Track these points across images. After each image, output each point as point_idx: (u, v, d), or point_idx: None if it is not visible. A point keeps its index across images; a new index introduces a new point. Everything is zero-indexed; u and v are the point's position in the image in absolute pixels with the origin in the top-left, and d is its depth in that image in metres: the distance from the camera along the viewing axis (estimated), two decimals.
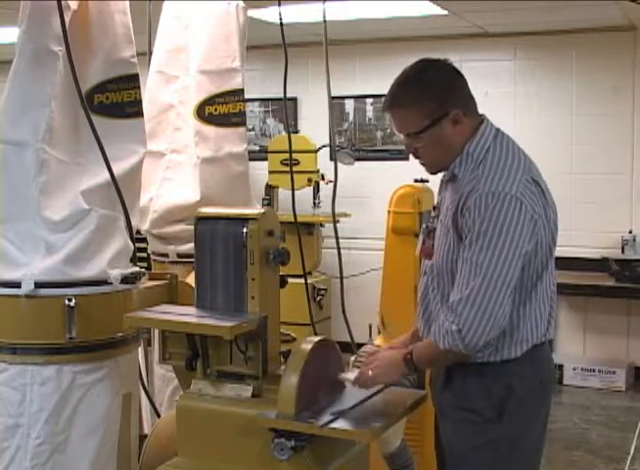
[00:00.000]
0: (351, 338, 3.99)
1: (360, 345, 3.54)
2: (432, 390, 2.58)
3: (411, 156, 2.49)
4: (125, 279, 2.86)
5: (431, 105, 2.35)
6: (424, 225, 2.58)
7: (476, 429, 2.40)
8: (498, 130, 2.43)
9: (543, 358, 2.47)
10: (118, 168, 2.92)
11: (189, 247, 3.61)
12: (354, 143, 7.54)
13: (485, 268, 2.25)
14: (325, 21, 3.96)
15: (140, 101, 3.10)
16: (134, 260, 2.99)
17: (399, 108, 2.40)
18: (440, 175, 2.55)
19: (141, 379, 3.30)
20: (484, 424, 2.39)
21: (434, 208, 2.58)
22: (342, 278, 4.05)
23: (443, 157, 2.42)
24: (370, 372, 2.46)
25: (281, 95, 3.74)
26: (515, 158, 2.36)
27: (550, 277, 2.43)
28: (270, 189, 7.05)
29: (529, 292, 2.36)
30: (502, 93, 6.91)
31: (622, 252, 6.60)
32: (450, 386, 2.46)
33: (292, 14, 5.47)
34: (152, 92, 4.00)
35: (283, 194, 7.02)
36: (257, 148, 7.65)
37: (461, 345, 2.28)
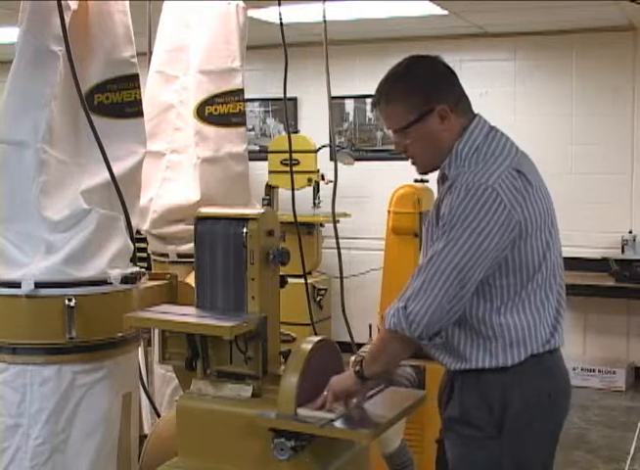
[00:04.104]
0: (351, 338, 4.00)
1: (360, 345, 3.55)
2: (438, 405, 2.51)
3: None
4: (125, 279, 2.86)
5: (416, 99, 2.33)
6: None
7: (477, 444, 2.33)
8: (492, 128, 2.38)
9: (549, 369, 2.36)
10: (118, 168, 2.92)
11: (189, 247, 3.61)
12: (354, 143, 7.54)
13: (440, 249, 2.20)
14: (325, 21, 3.97)
15: (140, 101, 3.10)
16: (134, 260, 3.00)
17: (386, 103, 2.39)
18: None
19: (141, 379, 3.30)
20: (485, 440, 2.31)
21: None
22: (341, 278, 4.05)
23: (432, 154, 2.39)
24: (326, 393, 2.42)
25: (281, 95, 3.75)
26: (503, 152, 2.32)
27: (549, 281, 2.34)
28: (270, 189, 7.05)
29: (518, 291, 2.28)
30: (502, 93, 6.91)
31: (622, 252, 6.61)
32: (452, 397, 2.40)
33: (292, 14, 5.47)
34: (152, 92, 4.00)
35: (283, 194, 7.02)
36: (257, 148, 7.65)
37: (405, 323, 2.22)
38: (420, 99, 2.33)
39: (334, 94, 3.98)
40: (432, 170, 2.49)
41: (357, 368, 2.37)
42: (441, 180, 2.40)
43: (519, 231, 2.23)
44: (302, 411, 2.40)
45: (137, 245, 3.04)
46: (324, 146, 6.76)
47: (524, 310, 2.30)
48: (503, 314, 2.29)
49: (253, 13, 5.02)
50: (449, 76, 2.40)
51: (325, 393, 2.42)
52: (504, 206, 2.20)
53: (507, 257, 2.25)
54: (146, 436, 3.12)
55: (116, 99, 2.99)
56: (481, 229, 2.19)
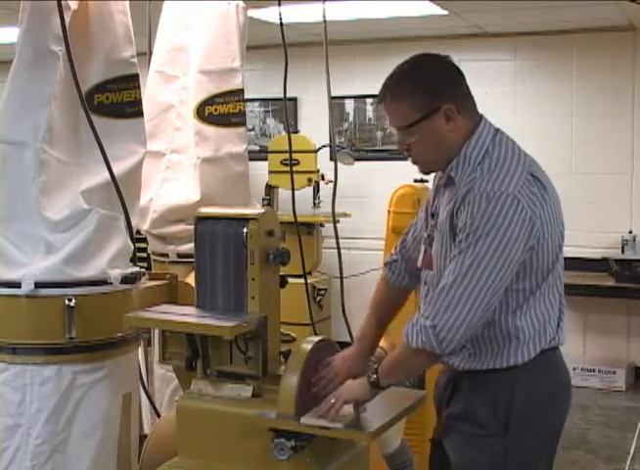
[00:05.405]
0: (351, 338, 3.99)
1: None
2: (436, 402, 2.52)
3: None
4: (125, 279, 2.86)
5: (422, 98, 2.29)
6: (424, 234, 2.50)
7: (481, 442, 2.33)
8: (497, 130, 2.36)
9: (553, 367, 2.38)
10: (118, 168, 2.92)
11: (189, 247, 3.61)
12: (354, 143, 7.54)
13: (468, 265, 2.17)
14: (325, 21, 3.97)
15: (140, 101, 3.10)
16: (134, 260, 3.00)
17: (391, 100, 2.34)
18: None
19: (141, 379, 3.30)
20: (490, 438, 2.31)
21: (432, 215, 2.47)
22: (341, 278, 4.06)
23: (435, 154, 2.35)
24: (333, 401, 2.36)
25: (281, 95, 3.75)
26: (514, 156, 2.30)
27: (557, 280, 2.36)
28: (270, 189, 7.05)
29: (534, 292, 2.29)
30: (502, 93, 6.91)
31: (622, 252, 6.60)
32: (457, 396, 2.39)
33: (292, 14, 5.47)
34: (152, 92, 4.00)
35: (283, 194, 7.02)
36: (257, 148, 7.65)
37: (435, 342, 2.19)
38: (425, 97, 2.30)
39: (334, 94, 3.98)
40: (433, 171, 2.47)
41: (373, 378, 2.34)
42: (448, 184, 2.37)
43: (537, 237, 2.24)
44: (306, 420, 2.35)
45: (137, 245, 3.04)
46: (324, 146, 6.76)
47: (535, 311, 2.31)
48: (518, 317, 2.30)
49: (253, 13, 5.03)
50: (456, 76, 2.36)
51: (332, 401, 2.37)
52: (526, 212, 2.19)
53: (525, 261, 2.25)
54: (146, 436, 3.12)
55: (116, 99, 2.99)
56: (507, 240, 2.17)
